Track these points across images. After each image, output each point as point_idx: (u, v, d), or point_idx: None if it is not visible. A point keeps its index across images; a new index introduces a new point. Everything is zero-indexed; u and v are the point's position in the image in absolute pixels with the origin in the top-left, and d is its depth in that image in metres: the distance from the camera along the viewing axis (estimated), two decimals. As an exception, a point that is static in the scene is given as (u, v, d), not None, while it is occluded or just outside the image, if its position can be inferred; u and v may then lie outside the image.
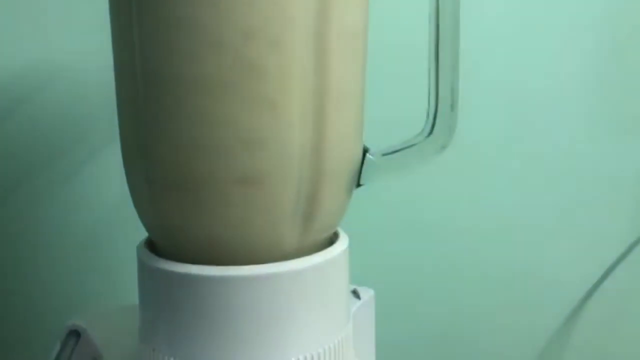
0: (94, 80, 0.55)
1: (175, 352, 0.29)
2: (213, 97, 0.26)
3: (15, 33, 0.54)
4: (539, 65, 0.60)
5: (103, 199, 0.57)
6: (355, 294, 0.39)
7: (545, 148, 0.61)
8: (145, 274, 0.31)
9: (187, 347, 0.28)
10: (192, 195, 0.27)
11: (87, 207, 0.57)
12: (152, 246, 0.33)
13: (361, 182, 0.33)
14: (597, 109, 0.62)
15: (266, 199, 0.28)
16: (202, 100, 0.26)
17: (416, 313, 0.62)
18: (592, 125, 0.62)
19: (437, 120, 0.32)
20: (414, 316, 0.62)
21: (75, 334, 0.37)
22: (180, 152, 0.27)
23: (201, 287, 0.28)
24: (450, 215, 0.61)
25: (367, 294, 0.41)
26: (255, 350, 0.28)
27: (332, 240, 0.33)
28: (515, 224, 0.62)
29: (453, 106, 0.32)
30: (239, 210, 0.27)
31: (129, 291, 0.57)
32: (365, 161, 0.33)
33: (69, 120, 0.56)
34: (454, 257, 0.61)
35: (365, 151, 0.33)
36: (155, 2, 0.26)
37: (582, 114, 0.62)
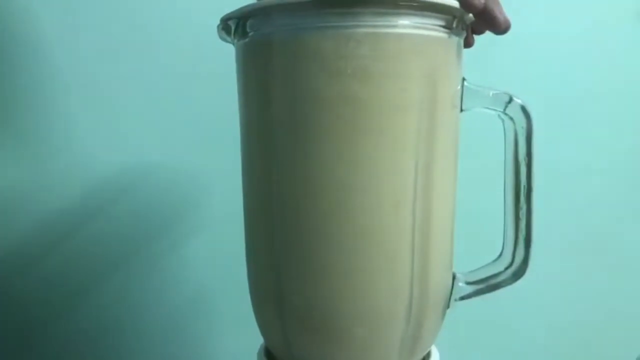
0: (177, 179, 0.62)
1: None
2: (343, 251, 0.32)
3: (109, 139, 0.60)
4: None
5: (186, 285, 0.63)
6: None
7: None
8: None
9: None
10: (323, 334, 0.33)
11: (171, 292, 0.63)
12: (268, 353, 0.39)
13: (449, 305, 0.38)
14: None
15: (383, 333, 0.33)
16: (334, 254, 0.32)
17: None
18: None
19: (516, 255, 0.37)
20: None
21: None
22: (316, 296, 0.33)
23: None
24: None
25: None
26: None
27: (425, 357, 0.38)
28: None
29: (529, 242, 0.37)
30: (360, 346, 0.33)
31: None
32: (454, 287, 0.38)
33: (155, 215, 0.62)
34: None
35: (453, 277, 0.38)
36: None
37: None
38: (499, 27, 0.33)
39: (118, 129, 0.60)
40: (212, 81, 0.57)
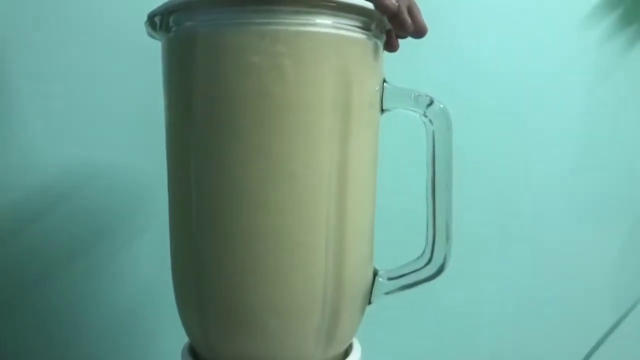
0: (127, 177, 0.62)
1: None
2: (257, 246, 0.33)
3: (58, 136, 0.60)
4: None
5: (132, 283, 0.63)
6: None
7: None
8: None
9: None
10: (239, 327, 0.34)
11: (121, 287, 0.63)
12: (192, 350, 0.39)
13: (371, 301, 0.39)
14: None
15: (297, 325, 0.34)
16: (249, 249, 0.33)
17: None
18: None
19: (435, 251, 0.39)
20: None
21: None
22: (232, 289, 0.33)
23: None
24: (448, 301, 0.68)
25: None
26: None
27: (347, 350, 0.39)
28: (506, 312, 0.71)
29: (448, 238, 0.39)
30: (275, 338, 0.34)
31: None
32: (375, 283, 0.39)
33: (106, 212, 0.62)
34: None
35: (375, 274, 0.39)
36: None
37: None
38: (409, 31, 0.35)
39: (66, 126, 0.59)
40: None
